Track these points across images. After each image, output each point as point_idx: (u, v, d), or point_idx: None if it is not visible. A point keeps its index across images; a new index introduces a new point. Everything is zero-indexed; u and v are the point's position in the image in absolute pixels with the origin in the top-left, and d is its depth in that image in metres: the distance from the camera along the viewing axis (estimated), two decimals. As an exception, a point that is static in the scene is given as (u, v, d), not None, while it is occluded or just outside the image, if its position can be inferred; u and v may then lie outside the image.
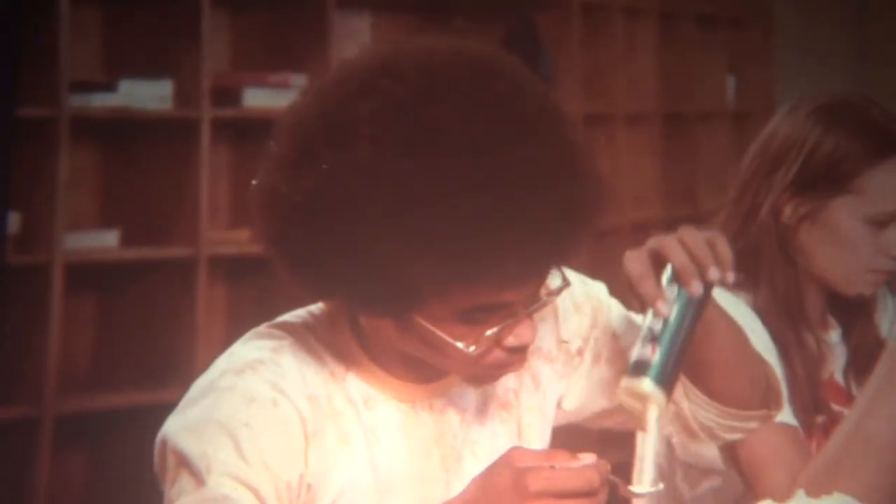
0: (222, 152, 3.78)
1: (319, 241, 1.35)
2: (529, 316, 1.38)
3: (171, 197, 3.61)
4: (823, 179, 1.87)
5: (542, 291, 1.41)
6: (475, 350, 1.37)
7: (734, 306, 1.75)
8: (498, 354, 1.39)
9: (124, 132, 3.60)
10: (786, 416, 1.78)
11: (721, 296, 1.76)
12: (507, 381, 1.53)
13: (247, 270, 3.75)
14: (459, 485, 1.41)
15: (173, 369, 3.53)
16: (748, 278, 1.88)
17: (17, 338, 3.29)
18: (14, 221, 3.28)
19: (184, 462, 1.38)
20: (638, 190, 4.77)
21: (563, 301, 1.53)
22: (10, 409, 3.30)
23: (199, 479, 1.37)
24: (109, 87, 3.50)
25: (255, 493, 1.37)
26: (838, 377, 1.94)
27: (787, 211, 1.89)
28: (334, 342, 1.46)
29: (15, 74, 3.12)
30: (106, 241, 3.53)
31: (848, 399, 1.91)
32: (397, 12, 4.22)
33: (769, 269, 1.88)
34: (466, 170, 1.31)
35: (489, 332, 1.36)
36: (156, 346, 3.58)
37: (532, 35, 4.38)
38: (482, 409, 1.52)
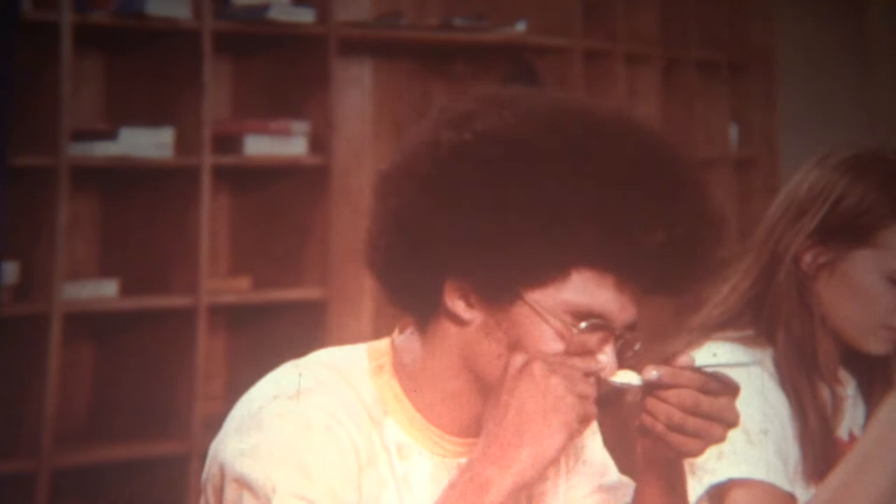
0: (223, 200, 3.76)
1: (450, 217, 1.40)
2: (618, 340, 1.42)
3: (171, 246, 3.59)
4: (846, 230, 1.85)
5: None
6: (566, 336, 1.39)
7: (744, 373, 1.75)
8: (584, 364, 1.41)
9: (125, 181, 3.59)
10: (778, 479, 1.77)
11: (734, 359, 1.75)
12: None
13: (246, 319, 3.72)
14: None
15: (172, 420, 3.50)
16: (767, 328, 1.87)
17: (14, 389, 3.26)
18: (12, 271, 3.26)
19: (247, 487, 1.41)
20: (641, 237, 4.74)
21: None
22: (6, 462, 3.27)
23: (265, 503, 1.39)
24: (110, 135, 3.49)
25: None
26: (857, 433, 1.91)
27: (808, 258, 1.87)
28: (375, 384, 1.47)
29: (9, 123, 3.10)
30: (105, 291, 3.50)
31: None
32: (399, 58, 4.20)
33: (787, 316, 1.87)
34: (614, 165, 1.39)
35: (584, 325, 1.40)
36: (155, 397, 3.55)
37: (532, 82, 4.37)
38: None
